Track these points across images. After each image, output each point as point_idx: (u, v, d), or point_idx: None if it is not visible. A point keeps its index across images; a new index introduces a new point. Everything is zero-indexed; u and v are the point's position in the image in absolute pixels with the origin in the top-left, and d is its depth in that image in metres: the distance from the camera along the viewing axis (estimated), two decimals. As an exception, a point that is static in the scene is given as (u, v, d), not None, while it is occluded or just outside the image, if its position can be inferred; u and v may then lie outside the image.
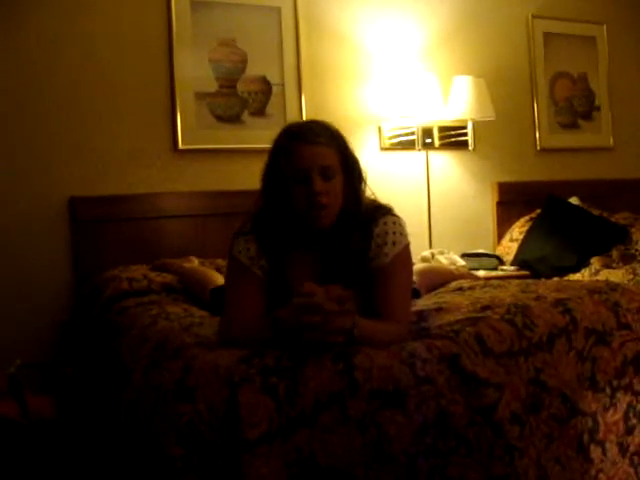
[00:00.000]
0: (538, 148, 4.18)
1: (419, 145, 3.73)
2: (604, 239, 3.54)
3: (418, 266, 2.60)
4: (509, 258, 3.71)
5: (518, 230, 3.86)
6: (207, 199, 3.35)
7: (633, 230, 3.62)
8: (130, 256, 3.08)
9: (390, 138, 3.78)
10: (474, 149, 3.96)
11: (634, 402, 1.76)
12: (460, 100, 3.66)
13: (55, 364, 2.85)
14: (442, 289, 2.42)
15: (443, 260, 3.38)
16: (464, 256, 3.59)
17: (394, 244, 1.72)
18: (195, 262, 2.97)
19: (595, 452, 1.68)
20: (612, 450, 1.71)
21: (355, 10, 3.71)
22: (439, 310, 1.89)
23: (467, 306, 1.87)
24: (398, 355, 1.51)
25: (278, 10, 3.54)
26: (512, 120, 4.06)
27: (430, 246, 3.68)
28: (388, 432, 1.43)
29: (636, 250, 3.43)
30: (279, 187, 1.71)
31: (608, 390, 1.72)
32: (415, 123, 3.69)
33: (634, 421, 1.75)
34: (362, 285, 1.72)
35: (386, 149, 3.78)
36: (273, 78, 3.53)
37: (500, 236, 3.98)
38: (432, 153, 3.81)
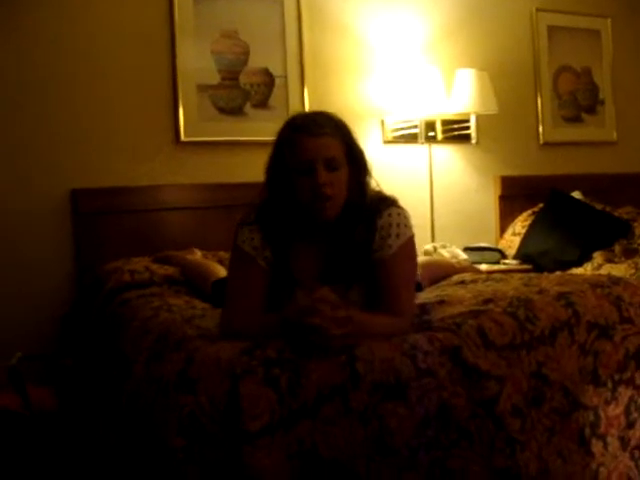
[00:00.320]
0: (541, 142, 4.17)
1: (422, 138, 3.72)
2: (607, 233, 3.54)
3: (420, 259, 2.59)
4: (511, 252, 3.71)
5: (521, 224, 3.86)
6: (209, 191, 3.34)
7: (636, 224, 3.61)
8: (131, 248, 3.07)
9: (393, 131, 3.77)
10: (477, 143, 3.95)
11: (635, 396, 1.76)
12: (463, 93, 3.64)
13: (55, 356, 2.86)
14: (444, 282, 2.42)
15: (445, 254, 3.38)
16: (466, 250, 3.59)
17: (398, 236, 1.71)
18: (198, 254, 2.97)
19: (596, 446, 1.67)
20: (613, 444, 1.71)
21: (358, 2, 3.69)
22: (441, 303, 1.89)
23: (469, 299, 1.87)
24: (400, 347, 1.51)
25: (281, 2, 3.53)
26: (515, 114, 4.04)
27: (432, 239, 3.68)
28: (390, 424, 1.43)
29: (639, 244, 3.42)
30: (283, 179, 1.70)
31: (610, 384, 1.72)
32: (418, 116, 3.68)
33: (635, 415, 1.75)
34: (366, 277, 1.72)
35: (389, 142, 3.77)
36: (276, 70, 3.52)
37: (503, 230, 3.97)
38: (435, 146, 3.80)
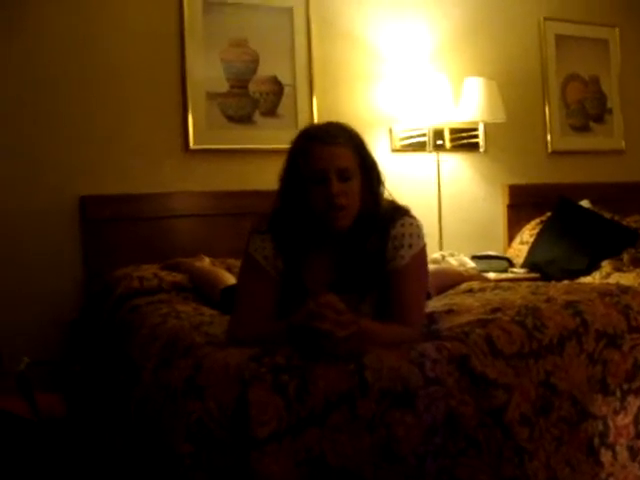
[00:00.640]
0: (549, 151, 4.17)
1: (430, 147, 3.73)
2: (615, 242, 3.53)
3: (429, 267, 2.59)
4: (519, 260, 3.70)
5: (528, 233, 3.85)
6: (217, 199, 3.35)
7: (644, 233, 3.60)
8: (140, 255, 3.08)
9: (401, 140, 3.78)
10: (485, 151, 3.95)
11: (645, 406, 1.75)
12: (471, 102, 3.65)
13: (64, 362, 2.87)
14: (452, 291, 2.41)
15: (453, 262, 3.38)
16: (474, 258, 3.58)
17: (411, 246, 1.71)
18: (206, 260, 2.98)
19: (605, 456, 1.67)
20: (622, 454, 1.70)
21: (367, 11, 3.71)
22: (449, 312, 1.88)
23: (477, 308, 1.86)
24: (408, 355, 1.51)
25: (290, 11, 3.55)
26: (523, 122, 4.04)
27: (440, 248, 3.68)
28: (397, 432, 1.43)
29: (647, 253, 3.42)
30: (297, 189, 1.70)
31: (618, 393, 1.72)
32: (426, 125, 3.69)
33: (645, 425, 1.74)
34: (378, 287, 1.72)
35: (397, 151, 3.78)
36: (284, 78, 3.54)
37: (510, 238, 3.97)
38: (443, 155, 3.80)
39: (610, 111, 4.37)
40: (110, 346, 2.41)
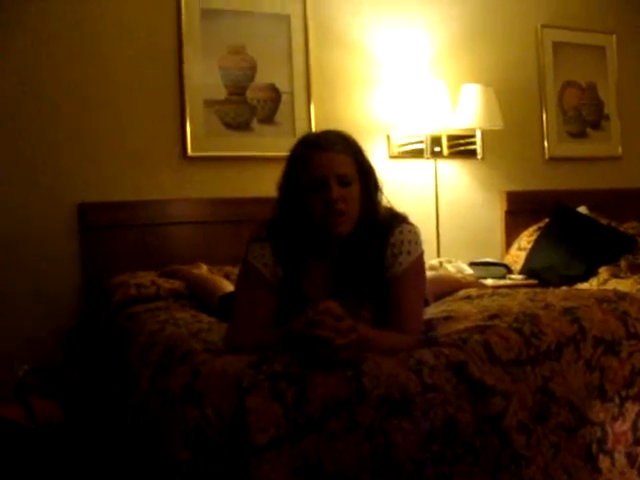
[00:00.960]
0: (547, 157, 4.18)
1: (428, 153, 3.74)
2: (612, 249, 3.53)
3: (426, 274, 2.59)
4: (517, 267, 3.71)
5: (526, 239, 3.85)
6: (215, 206, 3.36)
7: (641, 240, 3.61)
8: (138, 262, 3.09)
9: (399, 146, 3.78)
10: (483, 158, 3.96)
11: (643, 412, 1.75)
12: (469, 109, 3.66)
13: (62, 369, 2.86)
14: (450, 298, 2.41)
15: (451, 269, 3.38)
16: (472, 265, 3.58)
17: (409, 253, 1.72)
18: (204, 268, 2.98)
19: (604, 462, 1.67)
20: (620, 460, 1.70)
21: (364, 18, 3.72)
22: (447, 319, 1.89)
23: (475, 314, 1.86)
24: (406, 362, 1.51)
25: (287, 18, 3.56)
26: (521, 129, 4.06)
27: (438, 255, 3.68)
28: (395, 439, 1.43)
29: (645, 260, 3.42)
30: (296, 196, 1.71)
31: (617, 400, 1.71)
32: (424, 131, 3.70)
33: (643, 431, 1.74)
34: (376, 294, 1.73)
35: (395, 157, 3.78)
36: (282, 86, 3.55)
37: (508, 245, 3.97)
38: (441, 162, 3.81)
39: (607, 118, 4.39)
40: (108, 353, 2.41)
